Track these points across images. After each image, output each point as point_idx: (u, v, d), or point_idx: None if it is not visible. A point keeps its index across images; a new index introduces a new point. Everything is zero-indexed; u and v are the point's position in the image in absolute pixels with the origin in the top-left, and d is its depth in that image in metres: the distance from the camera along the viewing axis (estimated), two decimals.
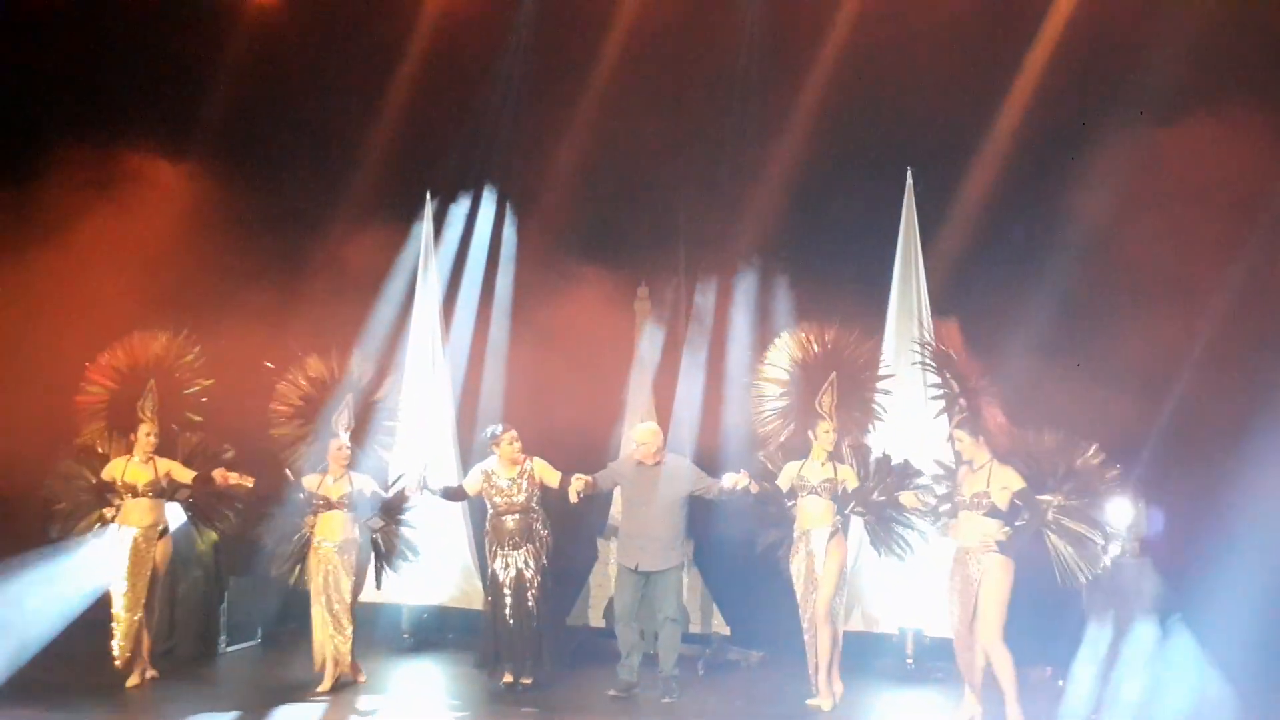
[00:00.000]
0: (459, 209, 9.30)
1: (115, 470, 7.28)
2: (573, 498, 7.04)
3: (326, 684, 7.14)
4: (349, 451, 7.31)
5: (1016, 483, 6.16)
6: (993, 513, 6.14)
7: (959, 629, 6.34)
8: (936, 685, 7.69)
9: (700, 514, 7.53)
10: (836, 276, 8.02)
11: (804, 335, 7.13)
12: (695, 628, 8.05)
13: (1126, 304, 7.15)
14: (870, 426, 7.07)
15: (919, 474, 6.78)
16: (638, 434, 7.16)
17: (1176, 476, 6.68)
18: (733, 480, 6.86)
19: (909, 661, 7.83)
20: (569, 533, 7.60)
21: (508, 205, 9.30)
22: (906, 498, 6.71)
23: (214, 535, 7.89)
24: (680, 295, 8.69)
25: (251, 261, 8.80)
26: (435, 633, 8.80)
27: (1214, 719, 6.44)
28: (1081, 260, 7.34)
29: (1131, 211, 7.35)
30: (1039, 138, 8.06)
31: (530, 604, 7.18)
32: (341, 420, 7.38)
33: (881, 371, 7.15)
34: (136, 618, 7.12)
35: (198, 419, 7.57)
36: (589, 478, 7.10)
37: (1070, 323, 7.41)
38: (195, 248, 8.77)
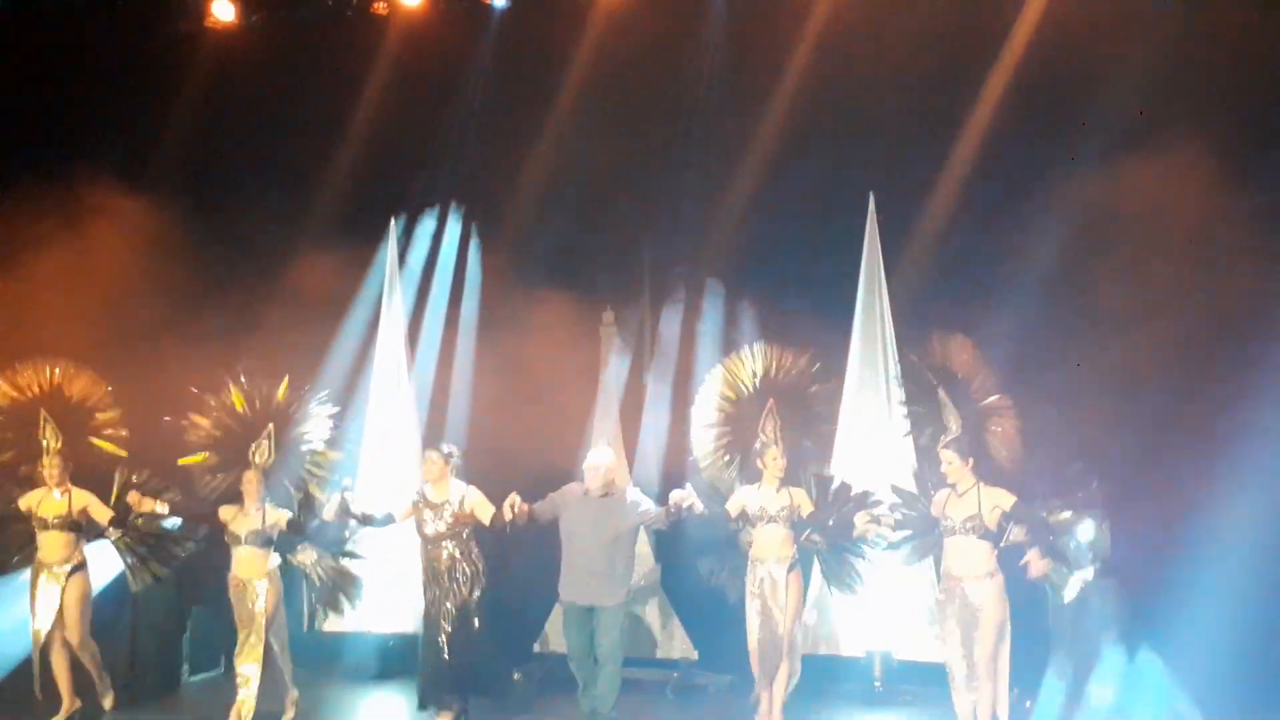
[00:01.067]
0: (423, 230, 9.37)
1: (31, 500, 7.16)
2: (505, 514, 6.59)
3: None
4: (259, 484, 7.05)
5: (1007, 501, 6.08)
6: (985, 535, 6.05)
7: (957, 664, 6.17)
8: (905, 708, 7.73)
9: (667, 537, 7.61)
10: (801, 300, 8.06)
11: (734, 365, 7.29)
12: (662, 652, 8.08)
13: (1086, 329, 7.21)
14: (824, 452, 7.18)
15: (877, 503, 6.74)
16: (587, 462, 6.89)
17: (1139, 498, 6.74)
18: (677, 498, 6.64)
19: (877, 684, 7.82)
20: (535, 557, 7.50)
21: (473, 227, 9.34)
22: (860, 522, 6.67)
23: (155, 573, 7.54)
24: (645, 320, 8.66)
25: (211, 288, 8.83)
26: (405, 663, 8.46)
27: None
28: (1043, 285, 7.39)
29: (1090, 239, 7.40)
30: (999, 164, 8.12)
31: (451, 637, 6.81)
32: (260, 452, 7.18)
33: (817, 390, 7.28)
34: (49, 656, 7.02)
35: (110, 450, 7.52)
36: (523, 504, 6.66)
37: (1032, 347, 7.42)
38: (154, 277, 8.63)
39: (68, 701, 7.12)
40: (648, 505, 6.88)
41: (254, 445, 7.18)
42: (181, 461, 7.46)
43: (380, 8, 9.07)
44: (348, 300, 9.36)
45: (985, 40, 8.10)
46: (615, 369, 8.43)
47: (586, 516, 6.77)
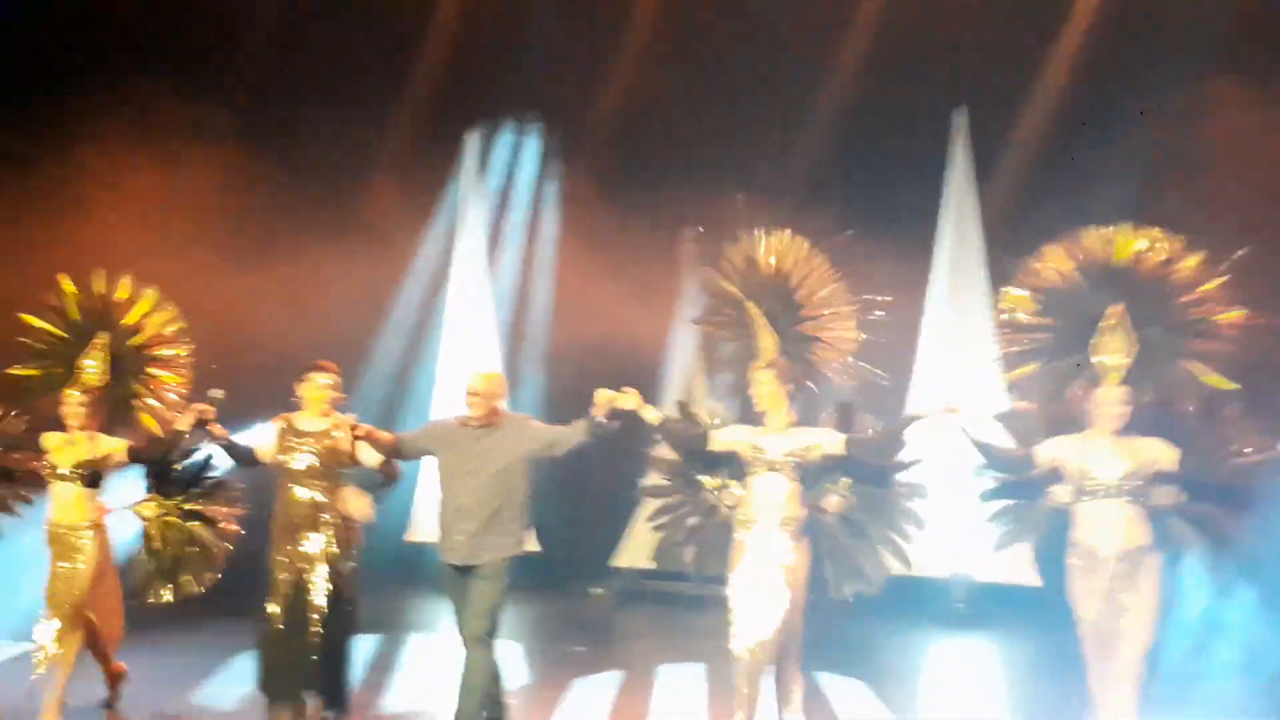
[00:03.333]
0: (501, 146, 10.17)
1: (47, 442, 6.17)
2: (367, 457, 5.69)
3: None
4: (85, 408, 6.03)
5: (1169, 454, 5.06)
6: (1138, 496, 5.07)
7: (1097, 646, 5.09)
8: (989, 630, 8.44)
9: None
10: (885, 219, 8.14)
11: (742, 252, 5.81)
12: None
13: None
14: (837, 368, 5.72)
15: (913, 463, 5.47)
16: (469, 384, 5.74)
17: None
18: (605, 399, 5.41)
19: (960, 605, 8.27)
20: (614, 470, 7.63)
21: (552, 142, 9.98)
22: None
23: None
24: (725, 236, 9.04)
25: (298, 203, 9.22)
26: None
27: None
28: (1138, 194, 7.39)
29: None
30: (1089, 79, 8.47)
31: (308, 620, 5.74)
32: (90, 366, 6.20)
33: (834, 301, 5.63)
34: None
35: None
36: (386, 436, 5.81)
37: None
38: (241, 194, 9.18)
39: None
40: (546, 428, 5.80)
41: (81, 357, 6.20)
42: (12, 372, 6.33)
43: None
44: (426, 216, 10.22)
45: None
46: (694, 284, 8.72)
47: (465, 451, 5.74)
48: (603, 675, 7.54)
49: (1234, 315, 5.07)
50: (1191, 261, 5.14)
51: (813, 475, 5.39)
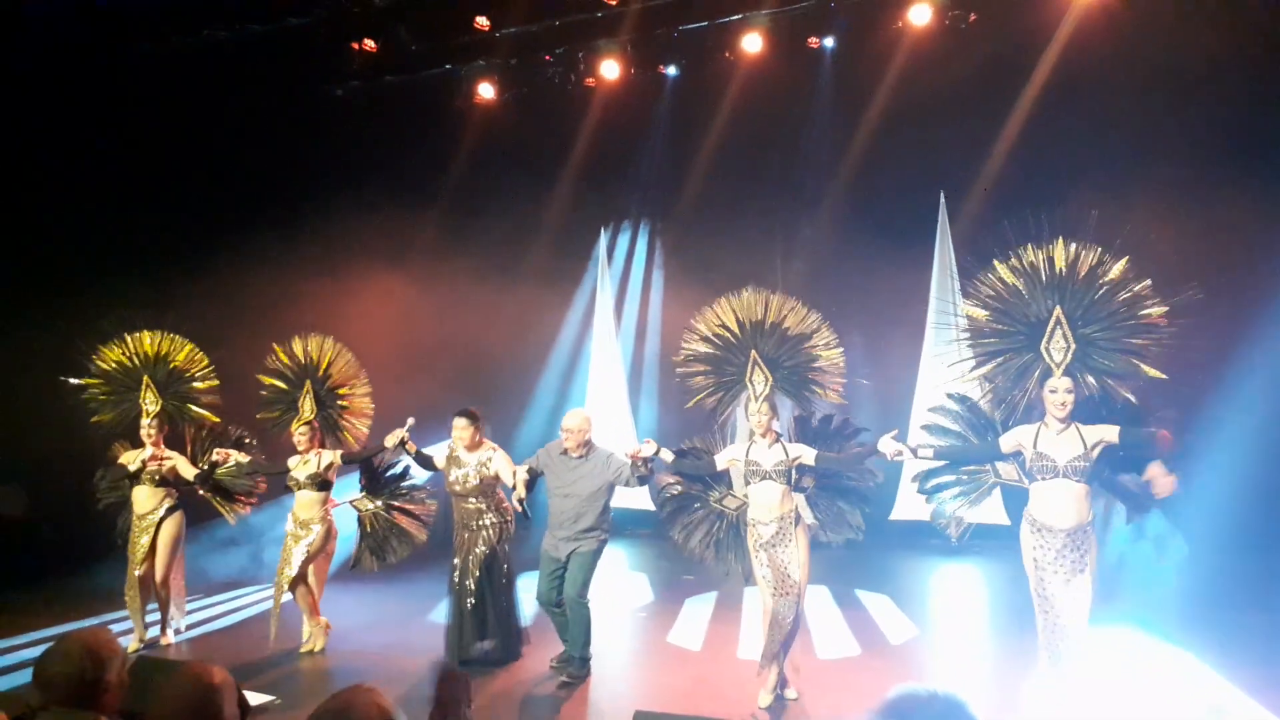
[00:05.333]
0: (623, 239, 12.77)
1: (129, 459, 7.61)
2: (515, 502, 6.70)
3: (310, 641, 7.38)
4: (307, 434, 7.36)
5: (1111, 432, 5.35)
6: (1084, 476, 5.33)
7: (1048, 604, 5.42)
8: (978, 557, 10.49)
9: None
10: (881, 283, 10.38)
11: (724, 308, 6.36)
12: None
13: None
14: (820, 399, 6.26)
15: (860, 430, 6.20)
16: (564, 421, 6.72)
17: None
18: (634, 452, 6.37)
19: (954, 540, 9.88)
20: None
21: (657, 237, 12.47)
22: (887, 447, 5.78)
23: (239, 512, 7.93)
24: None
25: (480, 279, 11.58)
26: None
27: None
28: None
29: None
30: (1039, 163, 10.11)
31: (476, 588, 6.85)
32: (304, 405, 7.48)
33: (816, 346, 6.17)
34: (137, 591, 7.45)
35: (203, 416, 7.88)
36: (526, 474, 6.70)
37: None
38: (438, 279, 11.53)
39: (138, 632, 7.55)
40: (620, 464, 6.60)
41: (300, 398, 7.51)
42: (259, 416, 7.77)
43: (590, 81, 11.55)
44: (570, 294, 12.64)
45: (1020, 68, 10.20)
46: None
47: (565, 475, 6.64)
48: (706, 595, 9.07)
49: (1156, 312, 5.34)
50: (1118, 267, 5.41)
51: (793, 476, 6.05)
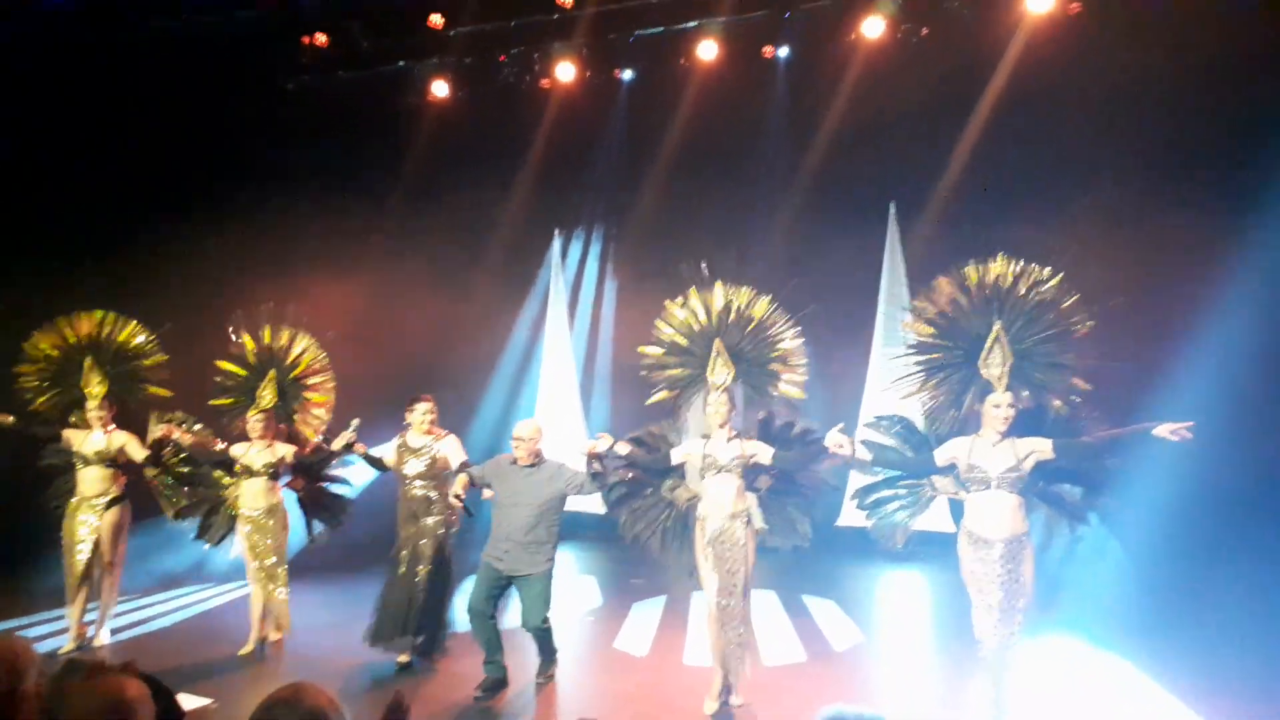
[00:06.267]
0: (575, 243, 12.93)
1: (76, 439, 7.46)
2: (452, 498, 6.71)
3: (249, 645, 7.24)
4: (263, 424, 7.30)
5: (1045, 445, 5.42)
6: (1017, 487, 5.42)
7: (988, 613, 5.44)
8: (922, 563, 10.60)
9: None
10: (835, 283, 10.25)
11: (690, 301, 6.37)
12: None
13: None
14: (784, 398, 6.25)
15: (819, 436, 5.96)
16: (515, 429, 6.54)
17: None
18: (588, 447, 6.24)
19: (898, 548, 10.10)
20: None
21: (609, 241, 12.64)
22: (831, 441, 5.71)
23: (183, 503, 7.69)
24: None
25: (436, 278, 11.63)
26: None
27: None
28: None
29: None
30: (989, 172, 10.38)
31: (422, 579, 6.86)
32: (264, 394, 7.42)
33: (780, 336, 6.22)
34: (81, 582, 7.32)
35: (154, 394, 7.71)
36: (467, 476, 6.67)
37: None
38: (395, 270, 11.60)
39: (75, 630, 7.36)
40: (574, 472, 6.48)
41: (260, 387, 7.44)
42: (212, 403, 7.65)
43: (545, 83, 11.55)
44: (523, 296, 12.74)
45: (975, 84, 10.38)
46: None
47: (515, 486, 6.46)
48: (654, 599, 9.08)
49: (1085, 327, 5.45)
50: (1053, 284, 5.51)
51: (750, 473, 6.08)
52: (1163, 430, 5.16)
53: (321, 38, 11.59)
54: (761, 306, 6.18)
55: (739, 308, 6.19)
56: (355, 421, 7.00)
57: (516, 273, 12.94)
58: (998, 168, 10.33)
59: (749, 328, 6.16)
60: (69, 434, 7.47)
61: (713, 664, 6.13)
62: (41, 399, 7.57)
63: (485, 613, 6.42)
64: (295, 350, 7.54)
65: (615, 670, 7.19)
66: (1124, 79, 9.31)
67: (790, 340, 6.18)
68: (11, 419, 7.32)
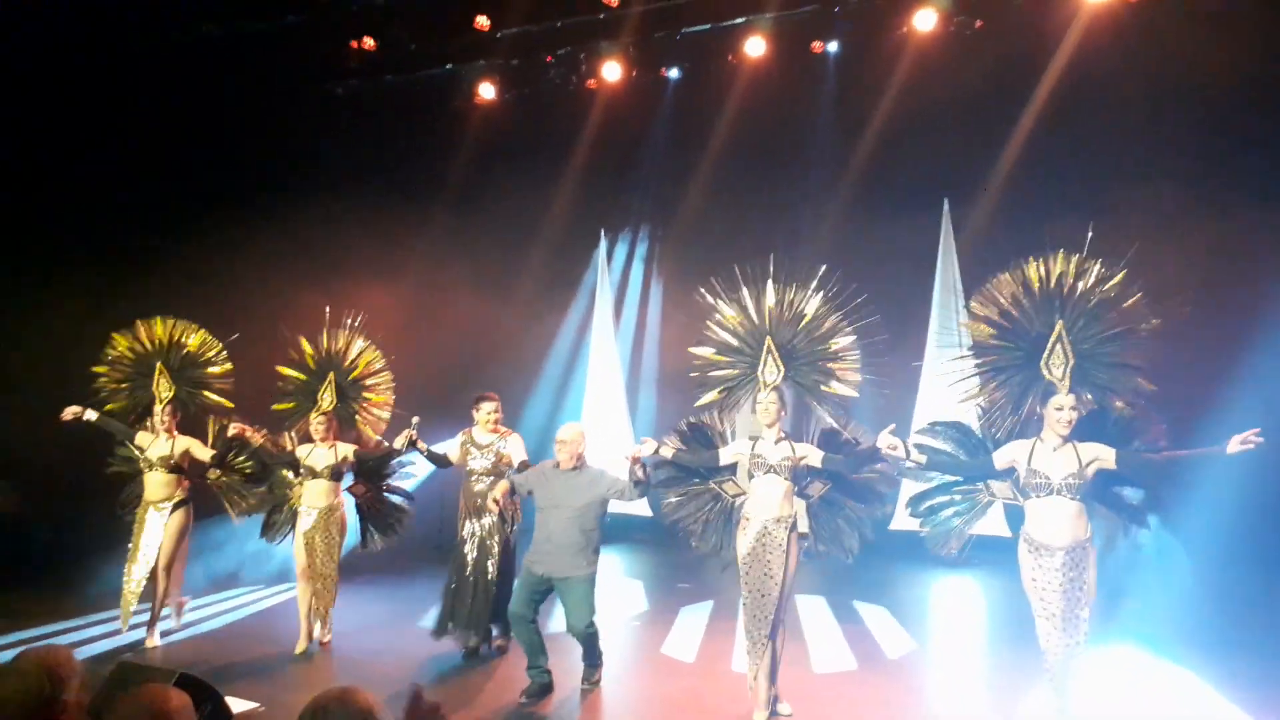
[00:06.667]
0: (623, 242, 12.89)
1: (143, 442, 7.63)
2: (490, 502, 6.93)
3: (301, 644, 7.37)
4: (324, 425, 7.43)
5: (1108, 454, 5.29)
6: (1079, 493, 5.27)
7: (1050, 623, 5.30)
8: (978, 569, 10.48)
9: None
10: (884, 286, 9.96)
11: (741, 299, 6.27)
12: None
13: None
14: (836, 398, 6.05)
15: (878, 458, 5.87)
16: (558, 434, 6.62)
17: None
18: (632, 453, 6.23)
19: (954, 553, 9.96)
20: None
21: (656, 240, 12.60)
22: (884, 442, 5.60)
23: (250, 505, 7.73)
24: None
25: (482, 281, 11.75)
26: None
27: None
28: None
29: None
30: (1044, 169, 10.23)
31: (490, 571, 7.09)
32: (325, 396, 7.56)
33: (833, 333, 6.08)
34: (132, 586, 7.44)
35: (217, 402, 7.84)
36: (508, 483, 6.75)
37: None
38: (445, 276, 11.71)
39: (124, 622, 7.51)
40: (615, 479, 6.47)
41: (321, 390, 7.57)
42: (276, 407, 7.76)
43: (592, 83, 11.66)
44: (569, 298, 12.78)
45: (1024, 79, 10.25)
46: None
47: (556, 490, 6.49)
48: (701, 604, 9.07)
49: (1151, 324, 5.28)
50: (1115, 281, 5.34)
51: (799, 476, 5.99)
52: (1234, 446, 5.01)
53: (369, 41, 11.71)
54: (813, 304, 6.09)
55: (790, 304, 6.12)
56: (416, 419, 7.08)
57: (563, 274, 13.01)
58: (1054, 162, 10.16)
59: (801, 325, 6.08)
60: (141, 435, 7.66)
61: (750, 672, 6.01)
62: (115, 402, 7.77)
63: (526, 617, 6.45)
64: (352, 352, 7.68)
65: (662, 676, 7.16)
66: (1184, 70, 9.11)
67: (843, 338, 6.07)
68: (96, 415, 7.54)
